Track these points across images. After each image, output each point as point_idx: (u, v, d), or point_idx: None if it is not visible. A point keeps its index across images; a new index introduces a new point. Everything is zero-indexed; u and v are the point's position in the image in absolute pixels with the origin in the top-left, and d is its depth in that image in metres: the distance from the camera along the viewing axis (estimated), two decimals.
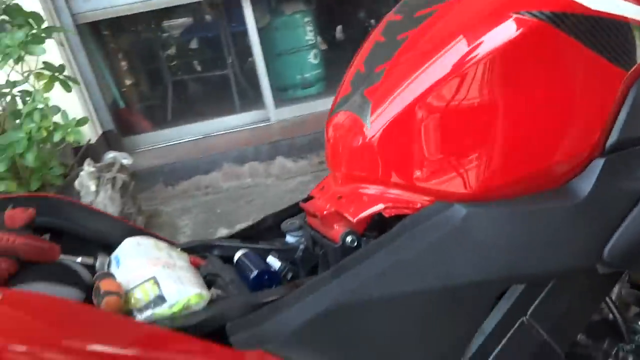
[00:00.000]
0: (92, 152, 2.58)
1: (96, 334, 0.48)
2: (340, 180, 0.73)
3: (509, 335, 0.69)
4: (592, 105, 0.64)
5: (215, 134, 3.11)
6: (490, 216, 0.63)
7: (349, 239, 0.68)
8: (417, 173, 0.65)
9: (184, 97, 3.59)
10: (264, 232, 0.84)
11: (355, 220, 0.66)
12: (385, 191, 0.68)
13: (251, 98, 3.30)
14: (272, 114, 3.13)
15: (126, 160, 2.64)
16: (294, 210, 0.84)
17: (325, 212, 0.71)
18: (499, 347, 0.69)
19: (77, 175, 2.24)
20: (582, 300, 0.73)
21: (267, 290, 0.64)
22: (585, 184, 0.64)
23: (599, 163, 0.64)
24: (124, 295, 0.57)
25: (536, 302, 0.69)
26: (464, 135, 0.64)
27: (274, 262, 0.72)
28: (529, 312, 0.69)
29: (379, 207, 0.66)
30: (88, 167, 2.42)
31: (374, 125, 0.67)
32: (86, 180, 2.38)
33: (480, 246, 0.63)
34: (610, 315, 0.85)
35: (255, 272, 0.67)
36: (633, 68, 0.64)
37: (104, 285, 0.57)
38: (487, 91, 0.62)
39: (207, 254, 0.77)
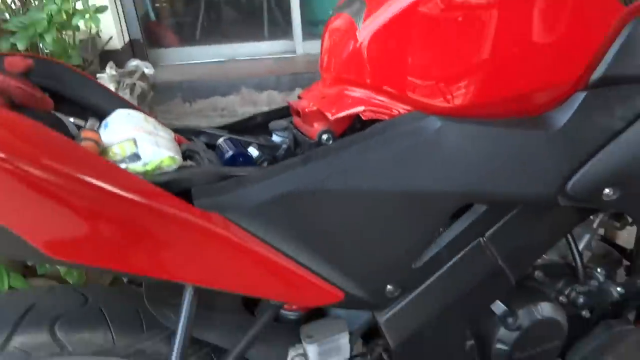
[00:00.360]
0: (116, 58, 2.61)
1: (75, 162, 0.51)
2: (328, 82, 0.75)
3: (463, 252, 0.72)
4: (584, 36, 0.64)
5: (239, 58, 3.11)
6: (463, 132, 0.64)
7: (324, 136, 0.70)
8: (400, 81, 0.67)
9: (215, 18, 3.56)
10: (252, 128, 0.87)
11: (332, 118, 0.69)
12: (368, 95, 0.69)
13: (281, 28, 3.26)
14: (299, 46, 3.11)
15: (148, 69, 2.68)
16: (285, 112, 0.87)
17: (307, 110, 0.73)
18: (452, 261, 0.72)
19: (95, 72, 2.29)
20: (542, 233, 0.75)
21: (235, 167, 0.68)
22: (563, 115, 0.65)
23: (579, 96, 0.64)
24: (102, 147, 0.62)
25: (496, 226, 0.72)
26: (451, 47, 0.64)
27: (253, 151, 0.76)
28: (487, 234, 0.72)
29: (358, 109, 0.68)
30: (110, 70, 2.47)
31: (365, 28, 0.68)
32: (106, 82, 2.44)
33: (449, 159, 0.64)
34: (573, 261, 0.87)
35: (230, 153, 0.71)
36: (633, 4, 0.63)
37: (85, 133, 0.61)
38: (482, 3, 0.62)
39: (193, 137, 0.81)
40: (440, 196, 0.65)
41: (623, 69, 0.63)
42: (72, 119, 0.72)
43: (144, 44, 3.06)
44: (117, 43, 2.79)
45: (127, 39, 2.96)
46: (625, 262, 0.96)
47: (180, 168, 0.64)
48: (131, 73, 2.61)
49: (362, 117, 0.67)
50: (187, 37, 3.37)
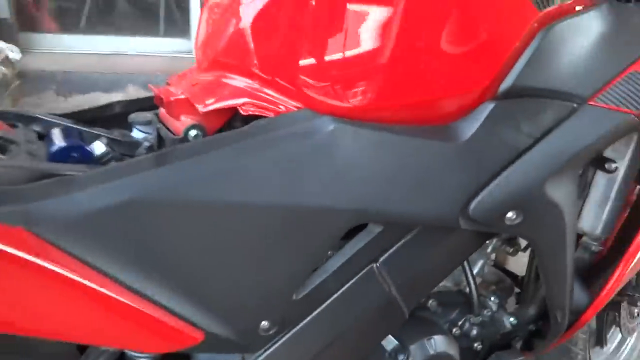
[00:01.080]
0: None
1: None
2: (204, 66, 0.61)
3: (354, 280, 0.61)
4: (496, 41, 0.57)
5: (128, 53, 2.83)
6: (359, 137, 0.54)
7: (192, 133, 0.56)
8: (290, 71, 0.55)
9: (106, 8, 3.23)
10: (108, 119, 0.70)
11: (203, 110, 0.55)
12: (251, 86, 0.57)
13: (178, 25, 3.04)
14: None
15: (14, 54, 2.32)
16: (150, 103, 0.71)
17: (172, 99, 0.58)
18: (341, 291, 0.61)
19: None
20: (440, 259, 0.67)
21: (62, 164, 0.51)
22: (469, 126, 0.57)
23: (487, 107, 0.58)
24: None
25: (391, 250, 0.63)
26: (350, 37, 0.54)
27: (98, 147, 0.59)
28: (381, 259, 0.62)
29: (236, 101, 0.55)
30: None
31: (251, 3, 0.55)
32: None
33: (341, 169, 0.54)
34: (467, 289, 0.81)
35: (60, 145, 0.53)
36: (543, 11, 0.58)
37: None
38: None
39: (19, 124, 0.62)
40: (329, 213, 0.54)
41: (531, 80, 0.58)
42: None
43: (14, 25, 2.66)
44: None
45: None
46: (516, 290, 0.92)
47: None
48: None
49: (241, 112, 0.54)
50: (70, 24, 3.00)
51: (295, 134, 0.53)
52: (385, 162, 0.55)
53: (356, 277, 0.61)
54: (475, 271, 0.85)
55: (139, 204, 0.46)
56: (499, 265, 0.98)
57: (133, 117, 0.68)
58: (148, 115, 0.68)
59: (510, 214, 0.60)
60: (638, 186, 0.90)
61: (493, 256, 0.96)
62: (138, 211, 0.47)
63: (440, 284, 0.84)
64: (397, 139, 0.55)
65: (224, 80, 0.57)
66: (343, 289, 0.61)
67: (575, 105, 0.59)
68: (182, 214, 0.48)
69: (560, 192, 0.62)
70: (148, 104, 0.71)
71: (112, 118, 0.71)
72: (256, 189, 0.51)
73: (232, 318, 0.54)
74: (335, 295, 0.61)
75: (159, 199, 0.47)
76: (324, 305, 0.60)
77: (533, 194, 0.60)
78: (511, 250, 0.90)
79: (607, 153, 0.81)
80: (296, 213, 0.53)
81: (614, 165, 0.76)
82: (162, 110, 0.65)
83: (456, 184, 0.58)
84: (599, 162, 0.78)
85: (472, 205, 0.58)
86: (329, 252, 0.61)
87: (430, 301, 0.78)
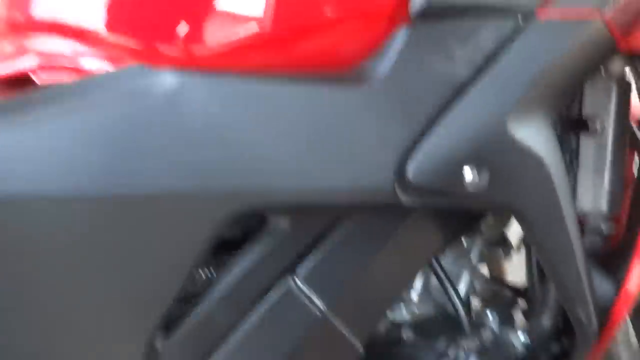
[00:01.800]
0: None
1: None
2: (3, 32, 0.46)
3: (264, 305, 0.42)
4: None
5: None
6: (218, 94, 0.39)
7: None
8: (103, 15, 0.41)
9: None
10: None
11: None
12: (67, 47, 0.42)
13: None
14: None
15: None
16: None
17: None
18: (243, 326, 0.41)
19: None
20: (387, 261, 0.48)
21: None
22: (383, 62, 0.42)
23: (401, 34, 0.42)
24: None
25: (313, 255, 0.44)
26: None
27: None
28: (299, 270, 0.43)
29: (24, 64, 0.39)
30: None
31: None
32: None
33: (196, 139, 0.38)
34: (450, 307, 0.60)
35: None
36: None
37: None
38: None
39: None
40: (190, 205, 0.37)
41: None
42: None
43: None
44: None
45: None
46: (522, 305, 0.71)
47: None
48: None
49: (36, 80, 0.39)
50: None
51: (121, 97, 0.37)
52: (261, 122, 0.39)
53: (266, 299, 0.42)
54: (464, 289, 0.66)
55: None
56: (500, 279, 0.78)
57: None
58: None
59: (468, 172, 0.42)
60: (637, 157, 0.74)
61: (484, 268, 0.76)
62: None
63: (417, 311, 0.64)
64: (275, 89, 0.39)
65: (27, 44, 0.42)
66: (252, 318, 0.41)
67: (519, 16, 0.44)
68: None
69: (533, 137, 0.45)
70: None
71: None
72: (68, 173, 0.34)
73: None
74: (235, 334, 0.41)
75: None
76: (223, 349, 0.40)
77: (493, 137, 0.43)
78: (502, 252, 0.70)
79: (587, 110, 0.66)
80: (136, 207, 0.36)
81: (597, 123, 0.61)
82: None
83: (380, 140, 0.41)
84: (580, 124, 0.63)
85: (410, 165, 0.41)
86: (209, 269, 0.42)
87: (404, 332, 0.57)
